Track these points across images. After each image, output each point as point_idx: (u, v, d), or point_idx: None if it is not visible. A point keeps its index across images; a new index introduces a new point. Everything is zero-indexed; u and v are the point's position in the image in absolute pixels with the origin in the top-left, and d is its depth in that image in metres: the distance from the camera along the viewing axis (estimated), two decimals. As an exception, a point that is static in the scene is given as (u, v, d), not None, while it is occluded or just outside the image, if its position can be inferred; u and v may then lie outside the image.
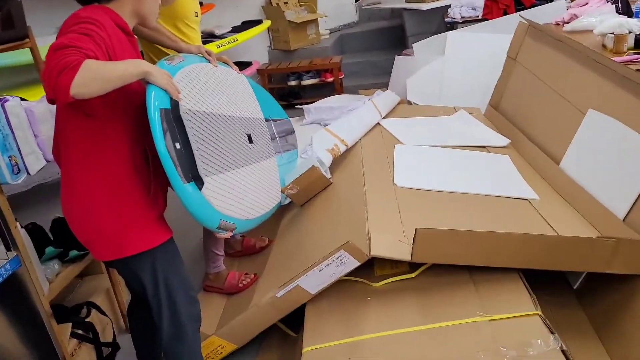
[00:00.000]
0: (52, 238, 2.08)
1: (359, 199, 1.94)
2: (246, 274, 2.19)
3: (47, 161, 1.85)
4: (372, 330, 1.51)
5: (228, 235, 1.54)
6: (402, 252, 1.57)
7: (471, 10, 4.21)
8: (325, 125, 3.00)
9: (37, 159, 1.79)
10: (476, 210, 1.89)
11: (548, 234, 1.68)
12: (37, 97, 2.11)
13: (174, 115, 1.38)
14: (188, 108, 1.45)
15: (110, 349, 2.06)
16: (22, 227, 2.07)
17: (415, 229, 1.50)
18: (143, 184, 1.40)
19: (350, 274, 1.69)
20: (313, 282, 1.63)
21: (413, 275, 1.69)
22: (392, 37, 5.60)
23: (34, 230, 2.06)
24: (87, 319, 1.97)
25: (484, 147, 2.53)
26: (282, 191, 2.06)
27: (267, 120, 2.14)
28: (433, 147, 2.52)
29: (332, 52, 5.40)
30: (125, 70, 1.22)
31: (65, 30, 1.25)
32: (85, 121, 1.32)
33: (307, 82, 5.12)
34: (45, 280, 1.81)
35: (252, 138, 1.84)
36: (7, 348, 1.49)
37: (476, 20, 4.09)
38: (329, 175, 2.29)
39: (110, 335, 2.11)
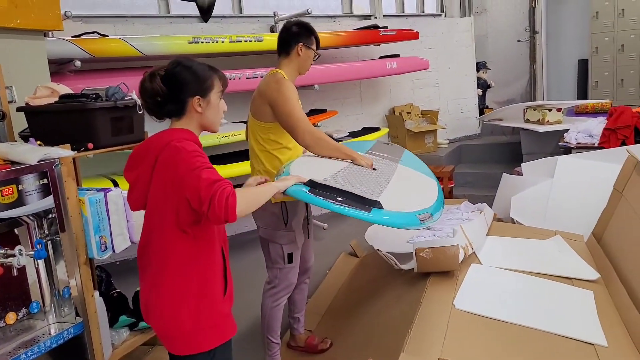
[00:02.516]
0: (131, 307, 2.34)
1: (411, 313, 1.89)
2: (299, 375, 2.20)
3: (132, 242, 2.12)
4: None
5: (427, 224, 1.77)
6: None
7: (588, 137, 4.18)
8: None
9: (124, 240, 2.08)
10: (528, 348, 1.72)
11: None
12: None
13: (318, 187, 1.72)
14: (318, 179, 1.78)
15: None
16: (112, 292, 2.37)
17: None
18: (221, 286, 1.57)
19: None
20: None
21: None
22: (512, 152, 5.55)
23: (118, 298, 2.35)
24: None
25: (570, 278, 2.30)
26: (415, 252, 2.17)
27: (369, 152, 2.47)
28: (511, 271, 2.36)
29: (446, 161, 5.47)
30: (266, 192, 1.61)
31: (193, 162, 1.44)
32: (184, 237, 1.50)
33: (417, 188, 5.21)
34: (109, 345, 2.02)
35: (374, 166, 2.16)
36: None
37: (592, 148, 4.02)
38: (459, 262, 2.24)
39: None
